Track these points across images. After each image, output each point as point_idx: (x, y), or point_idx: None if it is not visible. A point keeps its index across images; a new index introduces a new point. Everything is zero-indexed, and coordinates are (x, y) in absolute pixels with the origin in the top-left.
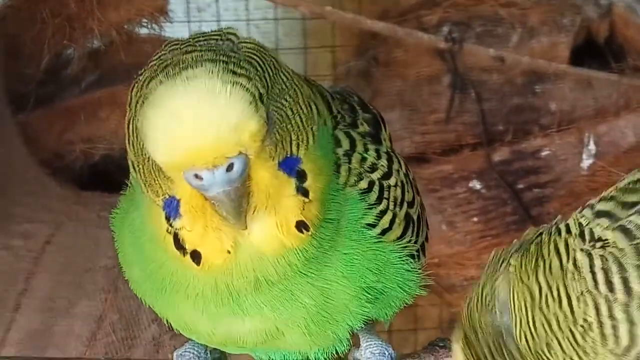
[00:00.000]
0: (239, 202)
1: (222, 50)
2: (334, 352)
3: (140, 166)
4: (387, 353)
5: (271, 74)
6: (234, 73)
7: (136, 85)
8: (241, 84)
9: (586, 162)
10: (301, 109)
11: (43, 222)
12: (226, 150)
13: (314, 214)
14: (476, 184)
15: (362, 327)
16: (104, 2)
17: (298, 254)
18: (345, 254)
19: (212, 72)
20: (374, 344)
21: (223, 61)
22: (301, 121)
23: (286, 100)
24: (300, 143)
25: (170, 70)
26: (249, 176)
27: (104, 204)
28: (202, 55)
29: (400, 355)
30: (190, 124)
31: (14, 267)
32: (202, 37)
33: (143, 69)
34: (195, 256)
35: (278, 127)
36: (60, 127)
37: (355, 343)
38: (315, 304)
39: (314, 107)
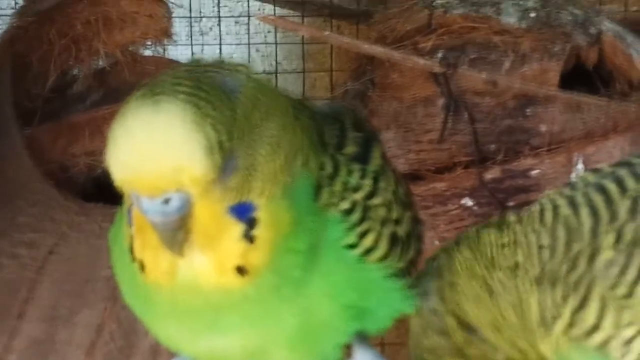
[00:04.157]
0: (174, 233)
1: (205, 87)
2: None
3: None
4: None
5: (257, 120)
6: (201, 114)
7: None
8: (203, 127)
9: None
10: (278, 159)
11: (47, 232)
12: (165, 185)
13: (258, 260)
14: (468, 201)
15: (354, 339)
16: (109, 24)
17: (245, 289)
18: (325, 274)
19: (178, 107)
20: (367, 355)
21: (197, 97)
22: (273, 171)
23: (263, 148)
24: (264, 192)
25: (147, 93)
26: (191, 213)
27: (105, 215)
28: (179, 87)
29: None
30: (138, 150)
31: (19, 275)
32: (212, 66)
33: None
34: (141, 265)
35: (241, 172)
36: (65, 141)
37: (348, 353)
38: (296, 323)
39: (300, 158)
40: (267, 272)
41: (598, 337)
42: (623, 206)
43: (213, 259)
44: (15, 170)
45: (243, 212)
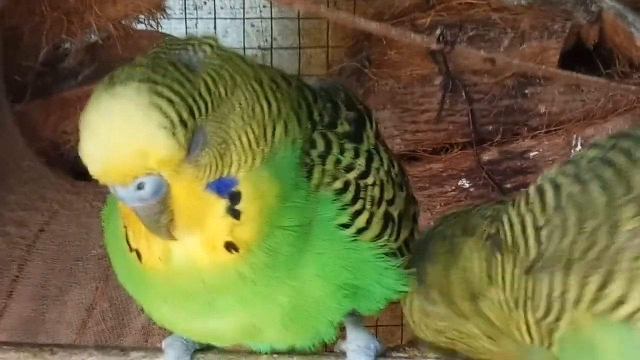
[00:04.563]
0: (156, 218)
1: (161, 68)
2: (321, 342)
3: None
4: (372, 346)
5: (223, 93)
6: (158, 95)
7: None
8: (161, 107)
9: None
10: (252, 129)
11: (37, 210)
12: (134, 171)
13: (247, 235)
14: (465, 183)
15: (348, 319)
16: None
17: (239, 267)
18: (317, 253)
19: (134, 92)
20: (360, 336)
21: (152, 79)
22: (248, 142)
23: (233, 121)
24: (242, 164)
25: (107, 82)
26: (169, 195)
27: (97, 194)
28: (135, 71)
29: (385, 348)
30: (103, 141)
31: (8, 254)
32: (175, 43)
33: None
34: (138, 254)
35: (213, 147)
36: (56, 117)
37: (342, 335)
38: (290, 302)
39: (279, 127)
40: (258, 250)
41: (624, 310)
42: (637, 176)
43: (202, 238)
44: (6, 147)
45: (223, 188)
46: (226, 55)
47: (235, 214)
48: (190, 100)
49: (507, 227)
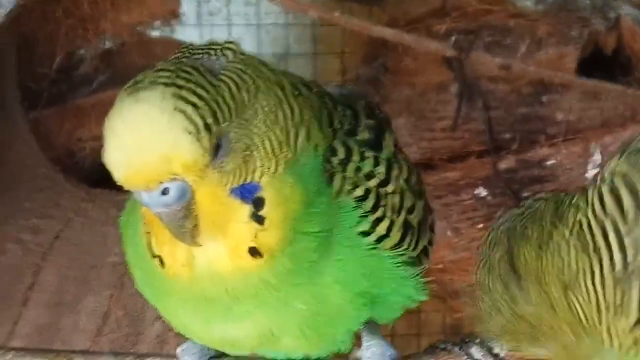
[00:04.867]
0: (180, 223)
1: (185, 73)
2: (336, 352)
3: None
4: (388, 354)
5: (246, 99)
6: (183, 100)
7: None
8: (185, 112)
9: (591, 173)
10: (276, 135)
11: (52, 217)
12: (157, 176)
13: (271, 240)
14: (482, 191)
15: (364, 328)
16: (117, 4)
17: (262, 273)
18: (338, 260)
19: (159, 97)
20: (376, 343)
21: (176, 84)
22: (271, 148)
23: (256, 127)
24: (265, 170)
25: (131, 87)
26: (194, 200)
27: (112, 202)
28: (159, 76)
29: (400, 356)
30: (127, 146)
31: (23, 261)
32: (196, 48)
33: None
34: (160, 261)
35: (237, 153)
36: (71, 125)
37: (358, 344)
38: (309, 309)
39: (302, 133)
40: (281, 256)
41: None
42: None
43: (226, 243)
44: (21, 155)
45: (247, 193)
46: (248, 60)
47: (259, 219)
48: (214, 105)
49: (586, 227)
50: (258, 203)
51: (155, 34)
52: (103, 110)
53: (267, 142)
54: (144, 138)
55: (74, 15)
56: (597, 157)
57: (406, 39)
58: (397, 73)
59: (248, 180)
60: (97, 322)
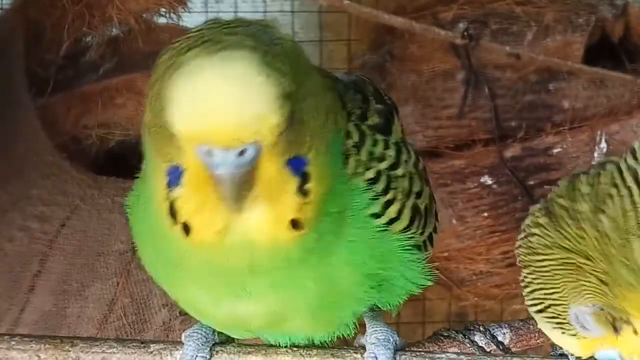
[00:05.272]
0: (241, 187)
1: (262, 40)
2: (340, 336)
3: (155, 129)
4: (392, 339)
5: (301, 75)
6: (270, 65)
7: (170, 50)
8: (274, 77)
9: (597, 160)
10: (319, 116)
11: (59, 205)
12: (244, 136)
13: (310, 214)
14: (487, 179)
15: (368, 314)
16: None
17: (292, 247)
18: (349, 241)
19: (250, 58)
20: (380, 330)
21: (263, 50)
22: (317, 126)
23: (308, 104)
24: (312, 147)
25: (211, 46)
26: (257, 166)
27: (118, 189)
28: (243, 40)
29: (405, 344)
30: (218, 101)
31: (30, 248)
32: (243, 23)
33: (178, 39)
34: (186, 228)
35: (298, 126)
36: (77, 112)
37: (362, 331)
38: (318, 289)
39: (331, 117)
40: (313, 232)
41: None
42: None
43: (270, 212)
44: (28, 142)
45: (298, 166)
46: (291, 42)
47: (304, 192)
48: (291, 75)
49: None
50: (305, 177)
51: (161, 20)
52: (109, 97)
53: (314, 120)
54: (239, 96)
55: (81, 1)
56: (603, 145)
57: (415, 27)
58: (403, 60)
59: (299, 154)
60: (103, 309)
